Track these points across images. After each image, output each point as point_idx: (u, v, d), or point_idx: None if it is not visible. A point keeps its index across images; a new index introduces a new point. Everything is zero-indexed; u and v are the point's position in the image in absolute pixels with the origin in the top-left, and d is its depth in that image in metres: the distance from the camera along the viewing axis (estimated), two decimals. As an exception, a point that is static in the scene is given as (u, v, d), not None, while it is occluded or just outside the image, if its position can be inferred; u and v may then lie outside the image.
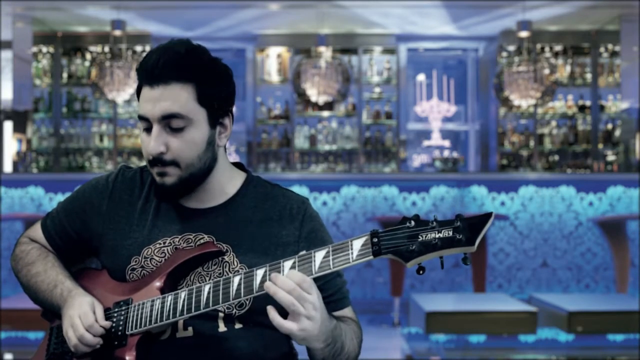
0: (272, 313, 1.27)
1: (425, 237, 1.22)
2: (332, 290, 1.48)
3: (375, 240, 1.25)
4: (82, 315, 1.38)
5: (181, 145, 1.41)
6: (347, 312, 1.51)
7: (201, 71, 1.42)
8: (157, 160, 1.42)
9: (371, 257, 1.25)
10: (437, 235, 1.22)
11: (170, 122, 1.40)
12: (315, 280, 1.42)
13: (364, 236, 1.26)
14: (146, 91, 1.41)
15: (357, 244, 1.26)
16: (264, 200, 1.51)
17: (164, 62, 1.39)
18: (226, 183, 1.51)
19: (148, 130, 1.43)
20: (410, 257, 1.23)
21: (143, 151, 1.45)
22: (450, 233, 1.21)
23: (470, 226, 1.21)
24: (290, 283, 1.25)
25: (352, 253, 1.26)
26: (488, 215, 1.22)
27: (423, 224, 1.24)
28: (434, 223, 1.23)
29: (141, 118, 1.43)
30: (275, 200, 1.52)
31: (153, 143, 1.40)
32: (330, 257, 1.27)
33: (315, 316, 1.26)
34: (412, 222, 1.24)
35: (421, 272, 1.24)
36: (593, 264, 5.64)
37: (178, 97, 1.40)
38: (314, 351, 1.33)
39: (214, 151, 1.47)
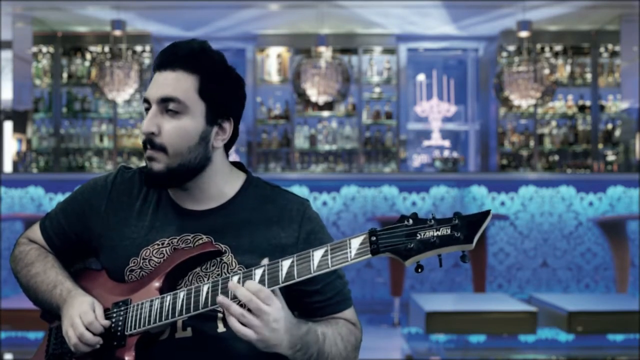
0: (231, 320, 1.26)
1: (424, 235, 1.22)
2: (332, 292, 1.47)
3: (374, 238, 1.24)
4: (82, 314, 1.38)
5: (172, 130, 1.43)
6: (346, 314, 1.50)
7: (208, 66, 1.46)
8: (149, 141, 1.45)
9: (369, 255, 1.24)
10: (435, 234, 1.21)
11: (168, 106, 1.44)
12: (315, 282, 1.42)
13: (362, 235, 1.26)
14: (155, 76, 1.48)
15: (356, 243, 1.25)
16: (263, 202, 1.51)
17: (175, 51, 1.46)
18: (224, 185, 1.50)
19: (148, 111, 1.48)
20: (409, 256, 1.22)
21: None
22: (449, 231, 1.21)
23: (469, 224, 1.20)
24: (247, 294, 1.25)
25: (350, 252, 1.25)
26: (486, 212, 1.21)
27: (421, 222, 1.23)
28: (432, 221, 1.23)
29: (144, 100, 1.48)
30: (275, 202, 1.51)
31: (147, 122, 1.45)
32: (329, 256, 1.26)
33: (275, 327, 1.26)
34: (410, 221, 1.24)
35: (420, 270, 1.23)
36: (593, 264, 5.64)
37: (180, 84, 1.44)
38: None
39: (207, 149, 1.47)
